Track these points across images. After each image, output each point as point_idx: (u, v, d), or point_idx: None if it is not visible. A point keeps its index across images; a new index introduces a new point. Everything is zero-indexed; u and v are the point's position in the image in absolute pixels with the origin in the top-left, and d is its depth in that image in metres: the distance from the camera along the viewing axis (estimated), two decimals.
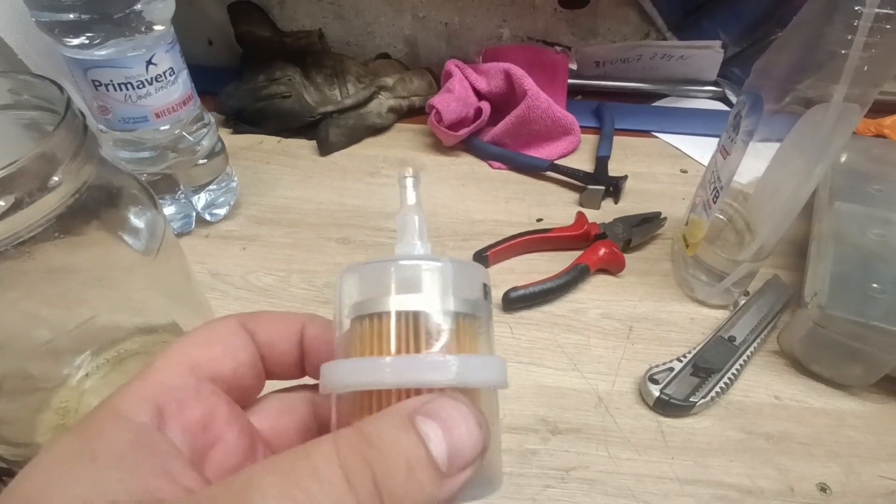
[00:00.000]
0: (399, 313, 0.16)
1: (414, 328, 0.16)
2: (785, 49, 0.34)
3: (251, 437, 0.18)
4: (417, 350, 0.16)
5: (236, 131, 0.62)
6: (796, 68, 0.33)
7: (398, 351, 0.16)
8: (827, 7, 0.30)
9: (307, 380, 0.20)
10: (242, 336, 0.18)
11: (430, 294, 0.17)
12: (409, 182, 0.20)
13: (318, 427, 0.20)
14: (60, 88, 0.24)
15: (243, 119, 0.62)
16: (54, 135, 0.22)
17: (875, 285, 0.37)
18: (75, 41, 0.37)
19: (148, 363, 0.17)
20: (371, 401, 0.16)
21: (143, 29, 0.39)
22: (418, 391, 0.15)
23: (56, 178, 0.22)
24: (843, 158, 0.48)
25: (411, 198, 0.19)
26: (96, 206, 0.25)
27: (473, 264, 0.18)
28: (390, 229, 0.51)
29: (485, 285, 0.18)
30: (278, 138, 0.61)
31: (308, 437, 0.19)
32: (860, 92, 0.31)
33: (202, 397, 0.17)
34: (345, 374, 0.16)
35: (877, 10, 0.28)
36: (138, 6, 0.38)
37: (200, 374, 0.17)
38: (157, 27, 0.40)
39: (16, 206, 0.21)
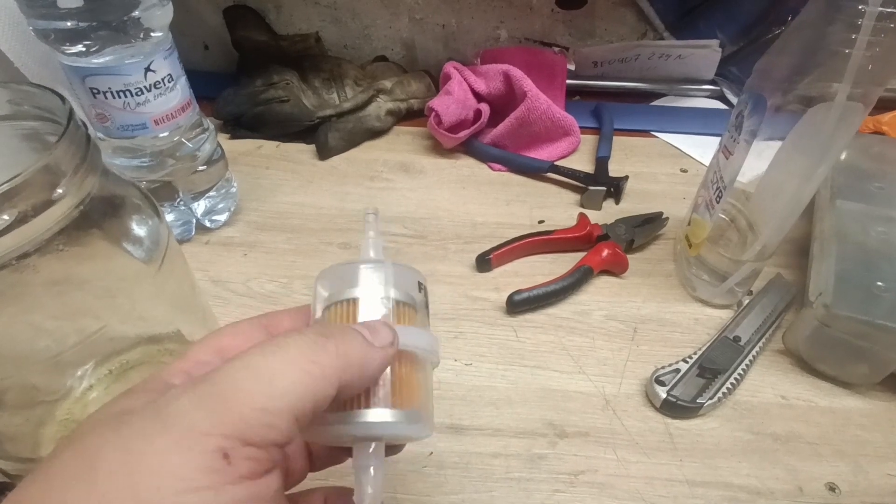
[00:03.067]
0: (351, 300, 0.22)
1: (364, 308, 0.22)
2: (786, 50, 0.34)
3: None
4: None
5: (234, 137, 0.61)
6: (798, 69, 0.33)
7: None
8: (829, 7, 0.30)
9: None
10: (259, 331, 0.22)
11: (376, 286, 0.22)
12: (372, 217, 0.25)
13: None
14: (62, 98, 0.23)
15: (241, 124, 0.61)
16: (57, 146, 0.21)
17: (879, 283, 0.37)
18: (73, 49, 0.37)
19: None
20: None
21: (141, 36, 0.39)
22: None
23: (60, 191, 0.22)
24: (844, 156, 0.48)
25: (372, 231, 0.25)
26: (99, 217, 0.25)
27: (411, 268, 0.24)
28: (391, 233, 0.50)
29: (419, 283, 0.24)
30: (277, 143, 0.61)
31: None
32: (863, 91, 0.31)
33: None
34: None
35: (880, 8, 0.28)
36: (136, 13, 0.37)
37: (224, 355, 0.20)
38: (155, 34, 0.39)
39: (20, 220, 0.20)
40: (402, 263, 0.23)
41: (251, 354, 0.17)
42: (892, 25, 0.29)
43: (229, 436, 0.15)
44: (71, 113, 0.23)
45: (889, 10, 0.28)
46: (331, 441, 0.22)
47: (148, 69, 0.39)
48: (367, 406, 0.20)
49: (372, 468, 0.21)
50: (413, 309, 0.23)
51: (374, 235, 0.25)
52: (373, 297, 0.22)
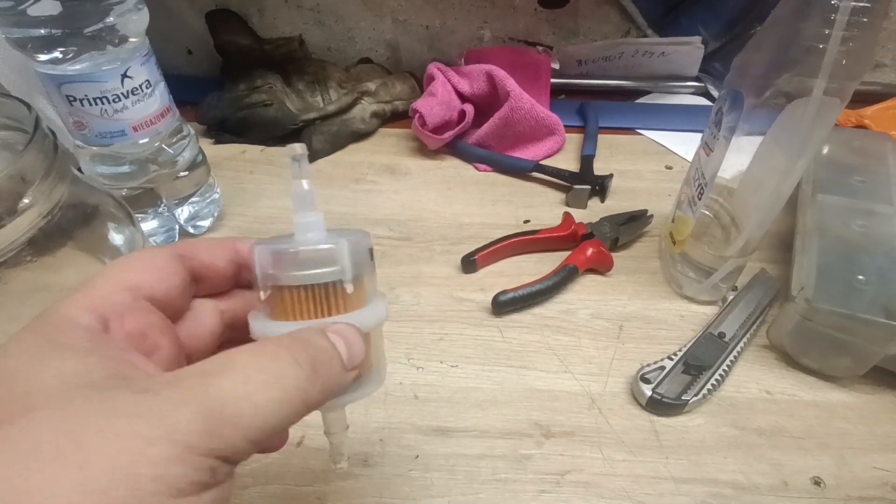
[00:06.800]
0: (305, 286, 0.21)
1: (316, 295, 0.21)
2: (762, 46, 0.34)
3: (180, 346, 0.21)
4: (318, 312, 0.21)
5: (218, 141, 0.61)
6: (774, 65, 0.33)
7: (305, 314, 0.21)
8: (803, 2, 0.31)
9: None
10: (176, 264, 0.21)
11: (330, 268, 0.21)
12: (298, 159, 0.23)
13: (224, 329, 0.23)
14: (28, 107, 0.23)
15: (225, 129, 0.61)
16: (23, 155, 0.21)
17: (860, 277, 0.37)
18: (47, 56, 0.37)
19: (87, 280, 0.19)
20: None
21: (116, 42, 0.38)
22: None
23: (27, 201, 0.21)
24: (826, 150, 0.48)
25: (299, 173, 0.22)
26: (70, 226, 0.25)
27: (360, 231, 0.23)
28: (377, 235, 0.50)
29: (370, 250, 0.23)
30: (261, 147, 0.61)
31: (216, 340, 0.23)
32: (839, 86, 0.31)
33: (139, 311, 0.19)
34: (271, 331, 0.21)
35: (853, 3, 0.28)
36: (111, 19, 0.37)
37: (137, 294, 0.19)
38: (131, 40, 0.39)
39: None
40: (351, 233, 0.22)
41: (245, 381, 0.16)
42: (864, 20, 0.29)
43: (220, 457, 0.15)
44: (37, 122, 0.22)
45: (862, 4, 0.29)
46: None
47: (125, 75, 0.39)
48: None
49: (339, 434, 0.24)
50: (369, 278, 0.23)
51: (307, 185, 0.22)
52: (340, 279, 0.21)
